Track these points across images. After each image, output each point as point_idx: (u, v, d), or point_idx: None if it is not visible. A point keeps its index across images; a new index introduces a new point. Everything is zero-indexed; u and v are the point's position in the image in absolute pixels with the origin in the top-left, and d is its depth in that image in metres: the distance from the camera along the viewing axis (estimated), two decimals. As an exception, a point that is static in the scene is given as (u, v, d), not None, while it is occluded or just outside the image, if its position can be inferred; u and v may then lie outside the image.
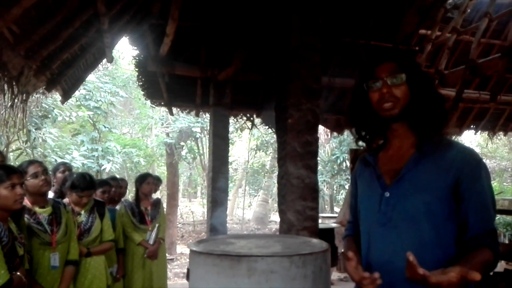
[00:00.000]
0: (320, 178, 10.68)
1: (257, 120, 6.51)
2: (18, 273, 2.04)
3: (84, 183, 3.02)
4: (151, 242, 3.84)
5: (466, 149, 1.35)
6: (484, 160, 1.35)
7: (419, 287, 1.13)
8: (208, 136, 7.65)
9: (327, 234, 3.96)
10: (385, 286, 1.27)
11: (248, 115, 6.22)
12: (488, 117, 7.12)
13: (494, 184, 13.77)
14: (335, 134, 7.72)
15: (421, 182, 1.33)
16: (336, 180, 13.37)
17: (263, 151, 15.09)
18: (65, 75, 4.30)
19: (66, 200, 3.09)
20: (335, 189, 14.62)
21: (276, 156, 3.82)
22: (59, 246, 2.61)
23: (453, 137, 7.74)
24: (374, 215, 1.42)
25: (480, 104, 6.59)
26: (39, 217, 2.56)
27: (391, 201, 1.37)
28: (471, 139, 16.83)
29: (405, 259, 1.14)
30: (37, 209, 2.58)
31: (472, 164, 1.30)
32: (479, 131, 7.67)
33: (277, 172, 3.35)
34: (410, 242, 1.30)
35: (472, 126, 7.34)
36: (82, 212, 3.06)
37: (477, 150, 18.58)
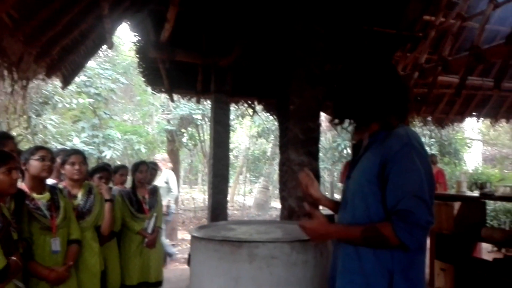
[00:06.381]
0: (321, 165, 10.67)
1: (258, 107, 6.47)
2: (14, 258, 2.06)
3: (71, 150, 3.17)
4: (149, 231, 3.84)
5: (397, 135, 1.46)
6: (410, 145, 1.42)
7: (351, 250, 1.48)
8: (209, 123, 7.63)
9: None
10: (336, 252, 1.60)
11: (249, 102, 6.18)
12: (491, 104, 7.09)
13: (495, 171, 13.73)
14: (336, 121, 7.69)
15: (361, 167, 1.53)
16: (337, 167, 13.35)
17: (264, 138, 15.05)
18: (65, 61, 4.27)
19: (62, 184, 3.08)
20: (336, 176, 14.64)
21: (277, 143, 3.80)
22: (60, 231, 2.62)
23: (454, 124, 7.73)
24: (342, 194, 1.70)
25: (483, 91, 6.56)
26: (38, 203, 2.57)
27: (348, 182, 1.62)
28: (473, 126, 16.75)
29: None
30: (35, 195, 2.59)
31: (395, 149, 1.42)
32: (482, 118, 7.65)
33: (278, 160, 3.34)
34: (347, 217, 1.55)
35: (474, 113, 7.32)
36: (79, 195, 3.04)
37: (479, 137, 18.58)
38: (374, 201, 1.46)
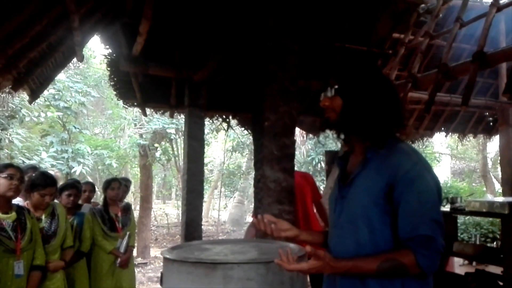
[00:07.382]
0: (295, 180, 10.61)
1: (233, 122, 6.44)
2: None
3: (45, 180, 2.85)
4: (122, 250, 3.71)
5: (404, 152, 1.35)
6: (421, 164, 1.32)
7: (354, 281, 1.33)
8: (183, 137, 7.53)
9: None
10: (330, 281, 1.46)
11: (224, 116, 6.15)
12: (458, 119, 7.32)
13: (464, 184, 14.13)
14: (310, 135, 7.74)
15: (362, 186, 1.38)
16: (311, 181, 13.41)
17: (239, 153, 15.02)
18: (32, 74, 4.14)
19: (24, 205, 2.94)
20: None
21: (252, 157, 3.77)
22: (24, 254, 2.49)
23: (424, 139, 7.92)
24: (332, 216, 1.53)
25: (451, 107, 6.76)
26: (3, 224, 2.44)
27: (341, 203, 1.45)
28: (442, 141, 17.27)
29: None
30: (0, 215, 2.46)
31: (405, 168, 1.30)
32: (450, 133, 7.88)
33: (253, 174, 3.30)
34: (349, 243, 1.38)
35: (443, 129, 7.54)
36: (43, 217, 2.90)
37: (447, 151, 19.16)
38: (380, 224, 1.32)
